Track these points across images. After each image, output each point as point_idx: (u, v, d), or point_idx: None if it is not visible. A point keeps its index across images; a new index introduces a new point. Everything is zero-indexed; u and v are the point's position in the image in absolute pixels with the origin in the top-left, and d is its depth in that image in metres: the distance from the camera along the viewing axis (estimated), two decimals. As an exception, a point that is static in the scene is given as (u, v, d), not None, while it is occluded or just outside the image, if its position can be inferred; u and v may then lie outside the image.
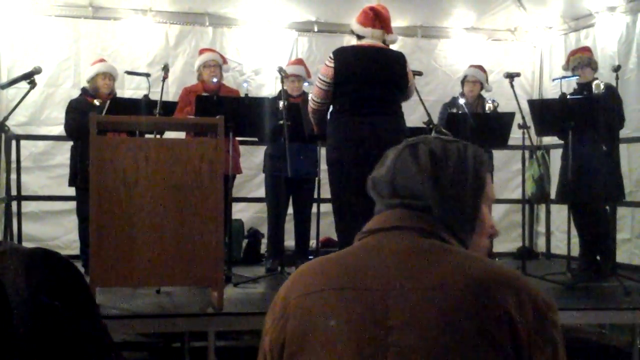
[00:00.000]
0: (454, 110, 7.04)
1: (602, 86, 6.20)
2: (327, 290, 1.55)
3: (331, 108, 5.36)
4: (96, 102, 6.51)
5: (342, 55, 5.32)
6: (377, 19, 5.35)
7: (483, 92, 7.50)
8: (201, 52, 7.17)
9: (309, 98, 5.47)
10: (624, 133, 6.68)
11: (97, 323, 1.28)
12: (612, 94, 6.32)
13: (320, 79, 5.31)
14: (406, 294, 1.48)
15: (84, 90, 6.95)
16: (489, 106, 7.13)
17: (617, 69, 6.21)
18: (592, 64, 6.71)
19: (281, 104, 6.00)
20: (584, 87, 6.60)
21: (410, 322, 1.45)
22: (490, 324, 1.42)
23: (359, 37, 5.40)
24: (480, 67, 7.55)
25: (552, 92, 8.63)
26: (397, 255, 1.55)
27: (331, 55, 5.32)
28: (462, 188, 1.64)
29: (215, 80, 6.72)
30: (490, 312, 1.43)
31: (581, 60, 6.67)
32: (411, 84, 5.42)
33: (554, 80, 7.98)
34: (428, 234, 1.59)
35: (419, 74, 5.87)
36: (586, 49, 7.04)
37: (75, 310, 1.22)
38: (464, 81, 7.51)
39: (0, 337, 1.13)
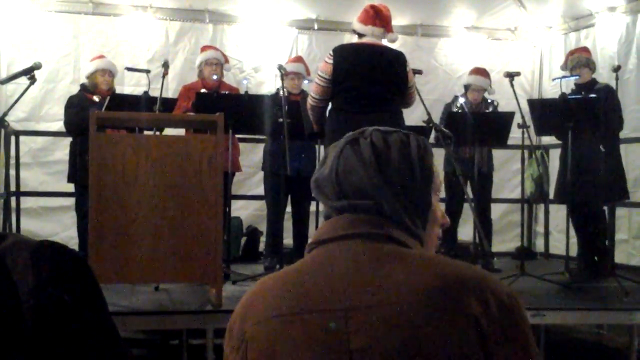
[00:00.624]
0: (455, 110, 7.03)
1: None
2: (285, 316, 1.45)
3: (330, 105, 5.36)
4: (95, 98, 6.51)
5: (341, 53, 5.32)
6: (378, 17, 5.36)
7: (486, 94, 7.49)
8: (203, 49, 7.17)
9: (309, 95, 5.47)
10: (622, 133, 6.68)
11: (106, 317, 1.28)
12: (611, 95, 6.33)
13: (319, 75, 5.31)
14: (366, 312, 1.39)
15: (83, 86, 6.95)
16: (493, 108, 7.16)
17: (617, 69, 6.21)
18: (590, 65, 6.71)
19: (282, 101, 6.00)
20: (582, 87, 6.61)
21: (373, 344, 1.37)
22: (458, 333, 1.35)
23: (360, 35, 5.40)
24: (484, 73, 7.51)
25: (551, 91, 8.63)
26: (351, 269, 1.45)
27: (331, 52, 5.32)
28: (410, 180, 1.55)
29: (215, 77, 6.72)
30: (456, 321, 1.35)
31: (579, 61, 6.67)
32: (412, 85, 5.40)
33: (553, 80, 7.98)
34: (380, 238, 1.50)
35: (419, 72, 5.86)
36: (585, 49, 7.04)
37: (83, 303, 1.22)
38: (468, 87, 7.48)
39: (10, 330, 1.13)
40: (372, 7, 5.43)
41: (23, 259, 1.19)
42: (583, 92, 6.52)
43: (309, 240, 1.59)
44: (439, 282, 1.39)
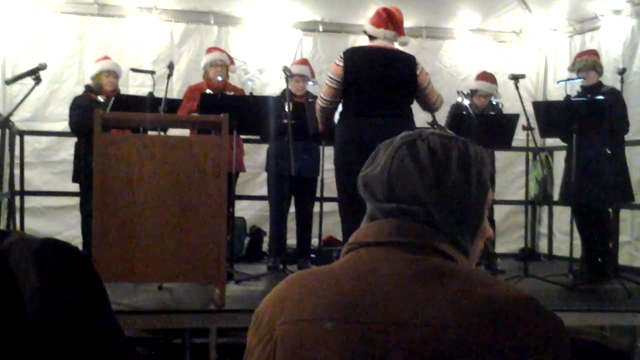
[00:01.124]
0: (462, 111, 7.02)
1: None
2: (320, 321, 1.38)
3: (340, 108, 5.36)
4: (100, 98, 6.53)
5: (352, 55, 5.31)
6: (390, 20, 5.35)
7: (492, 98, 7.48)
8: (209, 50, 7.18)
9: (318, 96, 5.46)
10: (626, 136, 6.67)
11: (110, 317, 1.28)
12: (616, 98, 6.33)
13: (329, 77, 5.30)
14: (407, 329, 1.31)
15: (87, 87, 6.98)
16: (497, 111, 7.17)
17: (622, 71, 6.21)
18: (597, 68, 6.70)
19: (286, 103, 6.01)
20: (588, 90, 6.60)
21: None
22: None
23: (371, 37, 5.39)
24: (491, 78, 7.48)
25: (556, 94, 8.62)
26: (397, 281, 1.37)
27: (341, 55, 5.31)
28: (466, 191, 1.47)
29: (219, 78, 6.73)
30: (499, 349, 1.28)
31: (587, 63, 6.66)
32: (424, 87, 5.36)
33: (558, 82, 7.96)
34: (427, 250, 1.42)
35: None
36: (593, 52, 7.03)
37: (87, 304, 1.22)
38: (474, 93, 7.45)
39: (13, 330, 1.13)
40: (385, 10, 5.42)
41: (26, 257, 1.19)
42: (589, 95, 6.51)
43: (350, 239, 1.52)
44: (485, 305, 1.31)
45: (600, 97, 6.30)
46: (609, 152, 6.20)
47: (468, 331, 1.29)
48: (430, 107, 5.54)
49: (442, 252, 1.43)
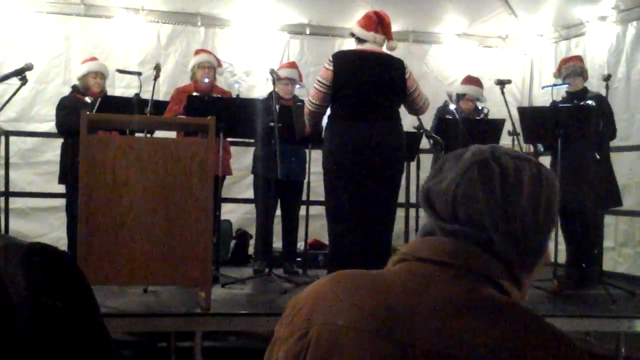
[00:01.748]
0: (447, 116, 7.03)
1: (592, 103, 6.24)
2: (360, 330, 1.32)
3: (328, 112, 5.36)
4: (87, 99, 6.50)
5: (341, 59, 5.31)
6: (380, 24, 5.35)
7: (478, 103, 7.50)
8: (197, 52, 7.18)
9: (307, 100, 5.46)
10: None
11: (97, 321, 1.28)
12: (603, 104, 6.35)
13: (318, 81, 5.29)
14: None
15: (74, 88, 6.95)
16: (483, 115, 7.18)
17: (607, 78, 6.23)
18: (583, 74, 6.74)
19: (273, 106, 6.01)
20: (574, 95, 6.64)
21: None
22: None
23: (360, 40, 5.38)
24: (477, 82, 7.51)
25: (541, 99, 8.66)
26: (446, 307, 1.31)
27: (330, 59, 5.30)
28: (532, 224, 1.40)
29: (206, 80, 6.72)
30: None
31: (574, 69, 6.70)
32: (413, 91, 5.36)
33: (543, 88, 8.00)
34: (484, 279, 1.36)
35: None
36: (578, 58, 7.06)
37: (75, 308, 1.22)
38: (461, 97, 7.47)
39: (3, 336, 1.13)
40: (376, 13, 5.43)
41: (14, 263, 1.19)
42: (575, 101, 6.55)
43: (403, 249, 1.47)
44: (532, 350, 1.26)
45: (589, 102, 6.32)
46: (597, 157, 6.22)
47: None
48: (417, 110, 5.55)
49: (497, 283, 1.37)
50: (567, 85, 6.76)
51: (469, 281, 1.35)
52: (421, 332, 1.29)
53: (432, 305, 1.31)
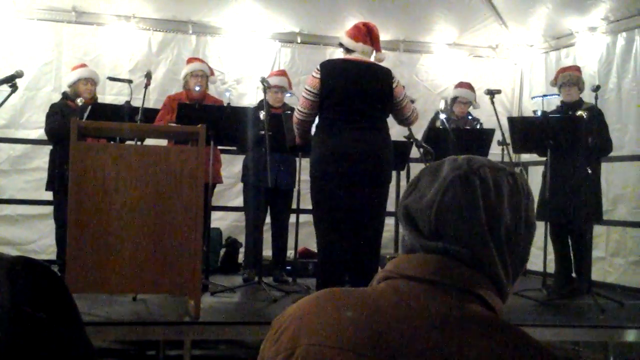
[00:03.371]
0: (438, 125, 7.05)
1: (585, 115, 6.23)
2: (345, 351, 1.30)
3: (316, 121, 5.36)
4: (79, 101, 6.46)
5: (329, 68, 5.31)
6: (369, 35, 5.36)
7: (471, 109, 7.53)
8: (189, 61, 7.18)
9: (295, 109, 5.46)
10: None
11: (81, 333, 1.28)
12: (597, 117, 6.35)
13: (306, 89, 5.29)
14: None
15: (65, 94, 6.94)
16: (477, 124, 7.21)
17: (596, 88, 6.24)
18: (579, 84, 6.71)
19: (262, 114, 6.02)
20: (569, 106, 6.64)
21: None
22: None
23: (348, 50, 5.39)
24: (469, 86, 7.56)
25: (531, 109, 8.69)
26: (432, 325, 1.30)
27: (318, 67, 5.30)
28: (515, 232, 1.41)
29: (198, 88, 6.73)
30: None
31: (570, 79, 6.69)
32: (400, 100, 5.35)
33: (533, 98, 8.05)
34: (470, 296, 1.35)
35: (412, 101, 5.80)
36: (576, 68, 7.00)
37: (58, 320, 1.22)
38: (454, 100, 7.50)
39: None
40: (365, 24, 5.43)
41: None
42: (570, 111, 6.55)
43: (388, 267, 1.45)
44: None
45: (581, 113, 6.31)
46: (589, 171, 6.20)
47: None
48: (405, 120, 5.54)
49: (484, 300, 1.37)
50: (557, 96, 6.78)
51: (454, 298, 1.34)
52: (406, 350, 1.27)
53: (417, 323, 1.31)
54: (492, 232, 1.38)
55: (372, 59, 5.39)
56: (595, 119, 6.21)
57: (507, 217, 1.40)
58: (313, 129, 5.43)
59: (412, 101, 5.64)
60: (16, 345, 1.15)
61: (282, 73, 7.35)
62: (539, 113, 6.65)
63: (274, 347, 1.40)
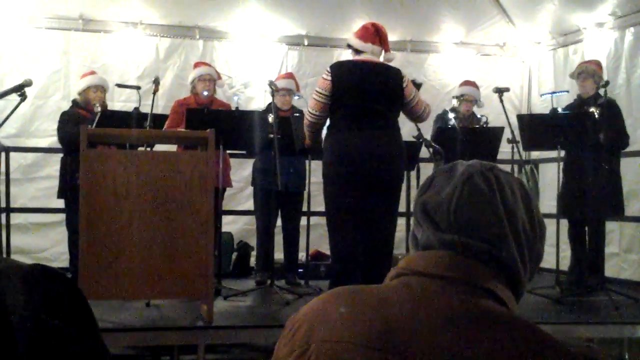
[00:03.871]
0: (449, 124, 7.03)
1: (597, 112, 6.20)
2: (358, 347, 1.32)
3: (327, 122, 5.36)
4: (96, 108, 6.47)
5: (339, 69, 5.32)
6: (378, 35, 5.36)
7: (475, 108, 7.53)
8: (196, 65, 7.18)
9: (306, 111, 5.46)
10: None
11: (97, 340, 1.28)
12: (614, 111, 6.33)
13: (317, 91, 5.29)
14: None
15: (74, 102, 6.95)
16: (482, 123, 7.18)
17: (605, 84, 6.23)
18: (595, 77, 6.66)
19: (271, 117, 6.02)
20: (585, 101, 6.60)
21: None
22: None
23: (357, 51, 5.39)
24: (474, 84, 7.58)
25: (540, 107, 8.68)
26: (445, 320, 1.31)
27: (328, 69, 5.31)
28: (531, 230, 1.43)
29: (206, 93, 6.73)
30: None
31: (586, 70, 6.66)
32: (411, 99, 5.36)
33: (542, 95, 8.03)
34: (484, 292, 1.36)
35: (419, 86, 5.81)
36: (595, 62, 6.97)
37: (76, 328, 1.22)
38: (460, 99, 7.49)
39: (2, 357, 1.13)
40: (373, 25, 5.44)
41: (14, 284, 1.19)
42: (585, 106, 6.51)
43: (401, 264, 1.46)
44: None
45: (593, 110, 6.27)
46: (606, 167, 6.18)
47: None
48: (419, 118, 5.56)
49: (496, 296, 1.37)
50: (565, 93, 6.77)
51: (467, 294, 1.35)
52: (419, 344, 1.28)
53: (430, 318, 1.31)
54: (511, 226, 1.39)
55: (381, 59, 5.40)
56: (609, 114, 6.18)
57: (523, 213, 1.42)
58: (324, 131, 5.44)
59: (419, 85, 5.65)
60: (34, 353, 1.15)
61: (290, 76, 7.36)
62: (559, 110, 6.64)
63: (289, 345, 1.42)
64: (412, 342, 1.29)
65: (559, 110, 6.61)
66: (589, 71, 6.64)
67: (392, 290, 1.41)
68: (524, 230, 1.41)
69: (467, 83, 7.62)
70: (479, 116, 7.41)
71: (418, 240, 1.48)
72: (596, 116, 6.18)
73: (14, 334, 1.13)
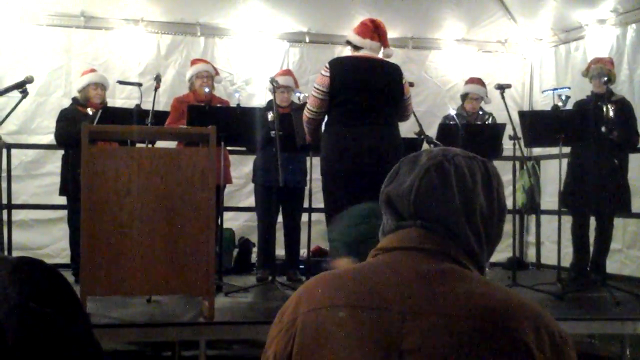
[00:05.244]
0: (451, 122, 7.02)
1: (612, 109, 6.21)
2: (340, 307, 1.47)
3: (326, 118, 5.36)
4: (89, 110, 6.50)
5: (338, 65, 5.31)
6: (376, 31, 5.36)
7: (482, 104, 7.50)
8: (193, 62, 7.18)
9: (305, 107, 5.46)
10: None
11: (88, 331, 1.29)
12: (626, 108, 6.34)
13: (316, 88, 5.29)
14: (423, 317, 1.41)
15: (75, 100, 6.95)
16: (487, 119, 7.17)
17: (606, 82, 6.23)
18: (611, 77, 6.67)
19: (271, 114, 6.02)
20: (599, 97, 6.61)
21: (425, 347, 1.39)
22: (508, 354, 1.37)
23: (356, 47, 5.39)
24: (480, 81, 7.53)
25: (542, 103, 8.68)
26: (415, 277, 1.47)
27: (327, 65, 5.30)
28: (489, 213, 1.57)
29: (207, 90, 6.73)
30: (508, 342, 1.37)
31: (601, 72, 6.66)
32: (408, 97, 5.39)
33: (544, 92, 8.02)
34: (447, 257, 1.51)
35: (411, 84, 5.88)
36: (609, 61, 6.96)
37: (65, 317, 1.23)
38: (465, 97, 7.47)
39: None
40: (372, 21, 5.43)
41: (2, 276, 1.20)
42: (600, 102, 6.51)
43: (375, 247, 1.61)
44: (497, 304, 1.42)
45: (607, 107, 6.27)
46: (616, 162, 6.20)
47: (478, 322, 1.38)
48: (406, 117, 5.57)
49: (460, 262, 1.52)
50: (567, 89, 6.76)
51: (435, 259, 1.50)
52: (394, 298, 1.44)
53: (401, 277, 1.47)
54: (467, 212, 1.53)
55: (380, 55, 5.39)
56: (622, 112, 6.21)
57: (481, 198, 1.55)
58: (323, 127, 5.43)
59: (410, 85, 5.67)
60: (25, 340, 1.15)
61: (288, 72, 7.34)
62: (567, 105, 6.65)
63: (277, 327, 1.57)
64: (391, 298, 1.45)
65: (567, 107, 6.58)
66: (604, 73, 6.65)
67: (368, 264, 1.57)
68: (481, 214, 1.55)
69: (472, 81, 7.57)
70: (483, 112, 7.40)
71: (384, 228, 1.62)
72: (611, 114, 6.19)
73: (1, 324, 1.14)
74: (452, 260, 1.50)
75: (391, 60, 5.47)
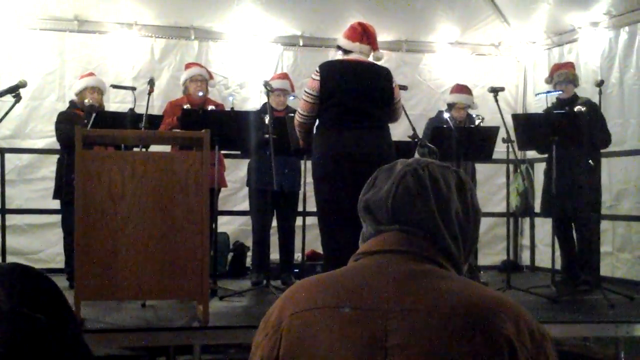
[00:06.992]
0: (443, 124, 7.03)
1: (583, 109, 6.32)
2: (324, 308, 1.52)
3: (317, 122, 5.37)
4: (87, 101, 6.47)
5: (328, 69, 5.32)
6: (365, 34, 5.36)
7: (469, 110, 7.52)
8: (187, 66, 7.19)
9: (296, 112, 5.46)
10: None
11: (78, 336, 1.29)
12: (593, 110, 6.40)
13: (306, 92, 5.30)
14: (406, 315, 1.46)
15: (72, 103, 6.95)
16: (478, 122, 7.17)
17: (600, 83, 6.26)
18: (575, 81, 6.83)
19: (267, 118, 6.02)
20: (565, 102, 6.69)
21: (409, 344, 1.44)
22: (490, 349, 1.41)
23: (346, 51, 5.40)
24: (466, 90, 7.53)
25: (535, 106, 8.69)
26: (396, 277, 1.53)
27: (317, 69, 5.31)
28: (465, 218, 1.64)
29: (200, 94, 6.73)
30: (490, 336, 1.42)
31: (566, 77, 6.75)
32: (398, 100, 5.40)
33: (537, 95, 8.04)
34: (427, 259, 1.57)
35: (404, 88, 5.89)
36: (570, 65, 7.12)
37: (56, 323, 1.23)
38: (452, 106, 7.48)
39: None
40: (360, 24, 5.44)
41: None
42: (566, 107, 6.59)
43: (355, 253, 1.66)
44: (478, 300, 1.48)
45: (579, 108, 6.37)
46: (591, 163, 6.26)
47: (460, 318, 1.44)
48: (395, 120, 5.57)
49: (439, 263, 1.58)
50: (561, 92, 6.79)
51: (415, 261, 1.56)
52: (377, 298, 1.49)
53: (383, 278, 1.53)
54: (443, 216, 1.60)
55: (370, 59, 5.40)
56: (592, 112, 6.29)
57: (456, 203, 1.63)
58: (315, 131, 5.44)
59: (404, 88, 5.68)
60: (16, 345, 1.16)
61: (284, 76, 7.35)
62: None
63: (263, 333, 1.60)
64: (374, 297, 1.50)
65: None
66: (568, 78, 6.76)
67: (351, 267, 1.63)
68: (457, 217, 1.62)
69: (458, 90, 7.56)
70: (474, 116, 7.40)
71: (363, 235, 1.69)
72: (584, 113, 6.28)
73: None
74: (431, 261, 1.57)
75: (385, 63, 5.48)
